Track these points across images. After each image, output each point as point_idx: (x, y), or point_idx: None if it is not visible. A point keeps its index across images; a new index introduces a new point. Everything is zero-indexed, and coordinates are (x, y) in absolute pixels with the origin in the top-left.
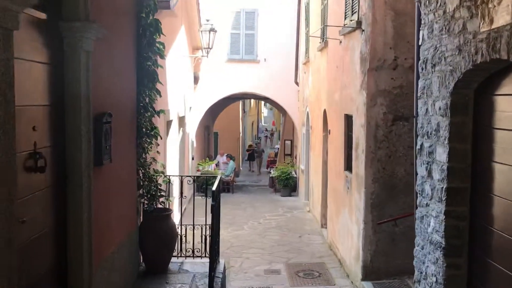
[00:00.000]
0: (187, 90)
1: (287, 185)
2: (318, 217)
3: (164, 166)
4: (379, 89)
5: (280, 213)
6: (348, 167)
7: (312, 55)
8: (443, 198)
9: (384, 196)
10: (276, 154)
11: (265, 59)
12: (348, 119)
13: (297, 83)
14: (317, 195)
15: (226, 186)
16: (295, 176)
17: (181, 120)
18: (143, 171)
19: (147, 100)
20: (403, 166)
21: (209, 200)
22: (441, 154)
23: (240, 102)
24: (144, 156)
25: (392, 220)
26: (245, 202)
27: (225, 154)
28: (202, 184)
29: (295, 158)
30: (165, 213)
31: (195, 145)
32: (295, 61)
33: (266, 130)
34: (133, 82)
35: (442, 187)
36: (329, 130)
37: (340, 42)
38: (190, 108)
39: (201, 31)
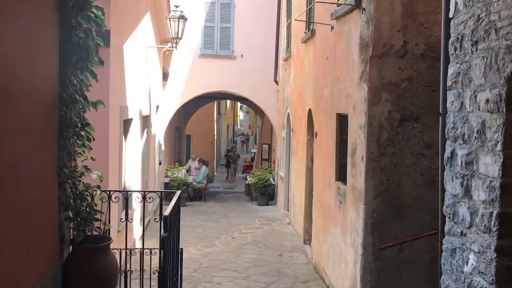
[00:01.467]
0: (154, 86)
1: (265, 193)
2: (300, 231)
3: (101, 178)
4: (384, 82)
5: (257, 226)
6: (341, 177)
7: (295, 49)
8: (493, 228)
9: (388, 213)
10: (252, 159)
11: (242, 55)
12: (341, 120)
13: (276, 82)
14: (299, 206)
15: (198, 194)
16: (274, 183)
17: (146, 120)
18: (70, 185)
19: (77, 85)
20: (412, 177)
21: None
22: (489, 166)
23: (215, 103)
24: (71, 165)
25: (398, 244)
26: (218, 212)
27: (197, 159)
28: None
29: (273, 163)
30: (102, 244)
31: (163, 148)
32: (274, 58)
33: (243, 134)
34: (53, 59)
35: (491, 212)
36: (316, 132)
37: (332, 28)
38: (158, 107)
39: (169, 18)
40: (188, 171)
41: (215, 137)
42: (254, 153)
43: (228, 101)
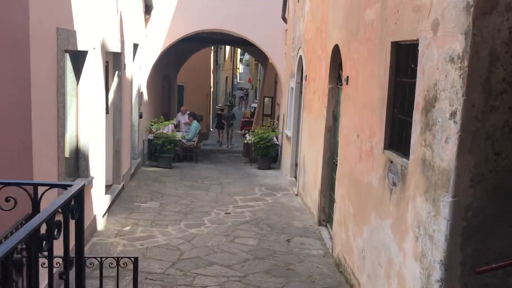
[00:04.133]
0: (130, 17)
1: (267, 155)
2: (314, 208)
3: None
4: None
5: (258, 196)
6: (396, 144)
7: None
8: None
9: (492, 213)
10: (252, 114)
11: None
12: (401, 52)
13: (284, 20)
14: (312, 175)
15: (188, 154)
16: (277, 143)
17: (116, 59)
18: None
19: None
20: None
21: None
22: None
23: (212, 52)
24: None
25: (506, 266)
26: (211, 177)
27: (188, 112)
28: (154, 151)
29: (277, 120)
30: None
31: (146, 98)
32: None
33: (241, 89)
34: None
35: None
36: (347, 77)
37: None
38: (137, 46)
39: None
40: (176, 126)
41: (212, 89)
42: (255, 107)
43: (227, 50)
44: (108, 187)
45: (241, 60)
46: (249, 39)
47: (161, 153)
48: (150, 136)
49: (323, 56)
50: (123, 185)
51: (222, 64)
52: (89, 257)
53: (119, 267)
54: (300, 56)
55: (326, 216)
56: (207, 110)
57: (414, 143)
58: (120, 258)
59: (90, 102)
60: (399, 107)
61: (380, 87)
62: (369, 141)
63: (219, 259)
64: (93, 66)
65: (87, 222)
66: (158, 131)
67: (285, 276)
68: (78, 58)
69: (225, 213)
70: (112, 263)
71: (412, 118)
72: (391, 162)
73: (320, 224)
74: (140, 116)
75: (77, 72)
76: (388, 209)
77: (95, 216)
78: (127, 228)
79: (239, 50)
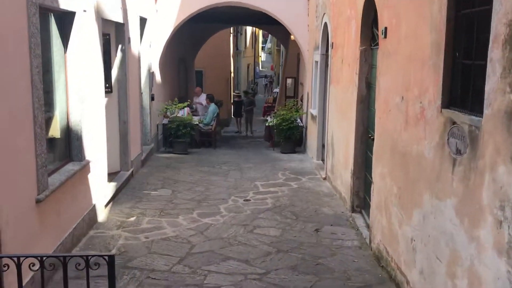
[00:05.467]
0: None
1: (290, 138)
2: (346, 192)
3: None
4: None
5: (281, 181)
6: (458, 100)
7: None
8: None
9: None
10: (274, 100)
11: None
12: None
13: None
14: (343, 155)
15: (206, 139)
16: (301, 125)
17: (119, 31)
18: None
19: None
20: None
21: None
22: None
23: (231, 36)
24: None
25: None
26: (230, 163)
27: (203, 94)
28: (169, 136)
29: (301, 100)
30: None
31: (158, 79)
32: None
33: (265, 76)
34: None
35: None
36: (384, 29)
37: None
38: (145, 20)
39: None
40: (194, 110)
41: (232, 74)
42: (277, 93)
43: (248, 36)
44: (114, 174)
45: (263, 48)
46: (268, 11)
47: (176, 138)
48: (165, 121)
49: (352, 15)
50: (132, 172)
51: (243, 51)
52: (48, 256)
53: (89, 269)
54: (325, 23)
55: (360, 201)
56: (228, 96)
57: (491, 91)
58: (90, 256)
59: (81, 74)
60: (463, 49)
61: (433, 29)
62: (419, 101)
63: (235, 253)
64: (85, 32)
65: (83, 213)
66: (172, 115)
67: (314, 273)
68: (65, 21)
69: (244, 200)
70: (79, 264)
71: (485, 59)
72: (453, 123)
73: (353, 210)
74: (152, 98)
75: (64, 38)
76: (449, 186)
77: (94, 205)
78: (132, 218)
79: (260, 38)
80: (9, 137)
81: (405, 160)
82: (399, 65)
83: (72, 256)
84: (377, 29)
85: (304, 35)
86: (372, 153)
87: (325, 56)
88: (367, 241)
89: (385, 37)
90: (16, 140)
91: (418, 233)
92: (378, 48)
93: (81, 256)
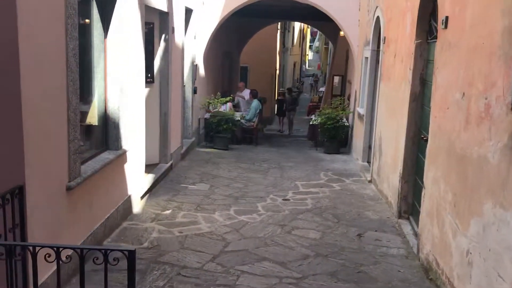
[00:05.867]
0: None
1: (335, 138)
2: (392, 196)
3: None
4: None
5: (323, 182)
6: None
7: None
8: None
9: None
10: (320, 99)
11: None
12: None
13: None
14: (391, 157)
15: (248, 136)
16: (347, 124)
17: (163, 20)
18: None
19: None
20: None
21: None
22: None
23: (278, 33)
24: None
25: None
26: (270, 160)
27: (246, 89)
28: (209, 131)
29: (348, 99)
30: None
31: (202, 73)
32: None
33: (312, 75)
34: None
35: None
36: (444, 19)
37: None
38: (191, 12)
39: None
40: (236, 106)
41: (277, 72)
42: (323, 92)
43: (296, 34)
44: (153, 166)
45: (310, 47)
46: (318, 5)
47: (217, 133)
48: (207, 115)
49: (408, 7)
50: (171, 164)
51: (290, 49)
52: (65, 247)
53: (108, 264)
54: (377, 17)
55: (408, 207)
56: (272, 93)
57: None
58: (109, 250)
59: (121, 61)
60: None
61: (506, 12)
62: (484, 97)
63: (271, 254)
64: (127, 18)
65: (118, 203)
66: (215, 110)
67: (355, 281)
68: (106, 5)
69: (283, 200)
70: (97, 258)
71: None
72: None
73: (400, 216)
74: (194, 91)
75: (105, 23)
76: None
77: (129, 196)
78: (168, 212)
79: (308, 36)
80: (41, 119)
81: (463, 164)
82: (461, 57)
83: (90, 249)
84: (435, 21)
85: (354, 31)
86: (424, 155)
87: (376, 51)
88: (415, 250)
89: (446, 27)
90: (48, 123)
91: (476, 246)
92: (435, 41)
93: (99, 250)
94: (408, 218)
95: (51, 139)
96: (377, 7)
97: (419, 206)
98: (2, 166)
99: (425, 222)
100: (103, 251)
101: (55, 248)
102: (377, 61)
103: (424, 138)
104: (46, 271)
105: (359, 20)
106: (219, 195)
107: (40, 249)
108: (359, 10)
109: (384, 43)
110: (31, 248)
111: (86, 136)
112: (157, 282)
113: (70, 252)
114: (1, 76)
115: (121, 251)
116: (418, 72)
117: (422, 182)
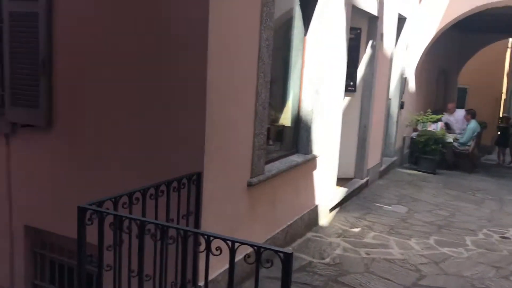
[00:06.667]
0: None
1: None
2: None
3: None
4: None
5: None
6: None
7: None
8: None
9: None
10: None
11: None
12: None
13: None
14: None
15: (461, 161)
16: None
17: (372, 25)
18: None
19: None
20: None
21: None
22: None
23: (508, 51)
24: None
25: None
26: (486, 191)
27: (458, 110)
28: (414, 151)
29: None
30: None
31: (411, 87)
32: None
33: None
34: None
35: None
36: None
37: None
38: (404, 19)
39: None
40: (447, 126)
41: (503, 94)
42: None
43: None
44: (346, 180)
45: None
46: None
47: (423, 153)
48: (414, 134)
49: None
50: (367, 181)
51: None
52: (242, 243)
53: (260, 263)
54: None
55: None
56: (495, 120)
57: None
58: (263, 248)
59: (319, 61)
60: None
61: None
62: None
63: None
64: (330, 16)
65: (303, 211)
66: (423, 128)
67: None
68: (310, 2)
69: (501, 237)
70: (249, 256)
71: None
72: None
73: None
74: (401, 107)
75: (306, 19)
76: None
77: (316, 206)
78: (356, 229)
79: None
80: (225, 108)
81: None
82: None
83: (266, 249)
84: None
85: None
86: None
87: None
88: None
89: None
90: (232, 113)
91: None
92: None
93: (251, 245)
94: None
95: (235, 130)
96: None
97: None
98: (184, 151)
99: None
100: (255, 247)
101: (229, 242)
102: None
103: None
104: (218, 267)
105: None
106: (418, 220)
107: (213, 239)
108: None
109: None
110: (206, 236)
111: (277, 137)
112: None
113: (247, 250)
114: (190, 58)
115: (276, 251)
116: None
117: None
